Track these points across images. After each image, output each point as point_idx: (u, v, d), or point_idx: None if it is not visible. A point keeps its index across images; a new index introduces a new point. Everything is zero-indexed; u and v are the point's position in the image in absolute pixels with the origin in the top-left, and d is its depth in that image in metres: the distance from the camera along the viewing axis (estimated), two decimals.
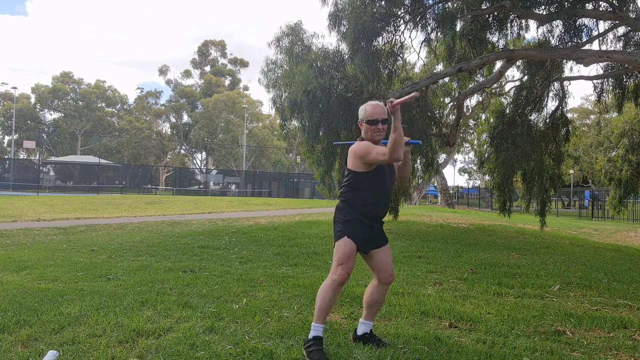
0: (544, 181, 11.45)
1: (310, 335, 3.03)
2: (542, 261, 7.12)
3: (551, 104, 11.90)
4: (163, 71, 58.54)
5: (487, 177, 21.98)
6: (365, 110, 3.10)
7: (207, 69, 58.19)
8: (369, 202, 3.10)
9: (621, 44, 10.40)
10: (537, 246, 9.19)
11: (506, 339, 3.44)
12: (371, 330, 3.28)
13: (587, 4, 9.34)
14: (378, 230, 3.18)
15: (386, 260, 3.18)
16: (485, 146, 13.48)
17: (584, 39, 10.36)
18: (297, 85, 9.61)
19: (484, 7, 9.55)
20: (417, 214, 16.70)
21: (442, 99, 14.12)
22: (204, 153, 54.14)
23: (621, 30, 10.29)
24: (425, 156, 11.50)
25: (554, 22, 9.98)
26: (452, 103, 14.40)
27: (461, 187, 46.78)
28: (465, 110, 14.89)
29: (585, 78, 11.17)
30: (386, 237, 3.25)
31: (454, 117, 13.29)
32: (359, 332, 3.28)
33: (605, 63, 10.46)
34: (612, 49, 10.35)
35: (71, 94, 51.15)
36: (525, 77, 11.98)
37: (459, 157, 43.95)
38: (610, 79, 11.04)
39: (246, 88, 59.33)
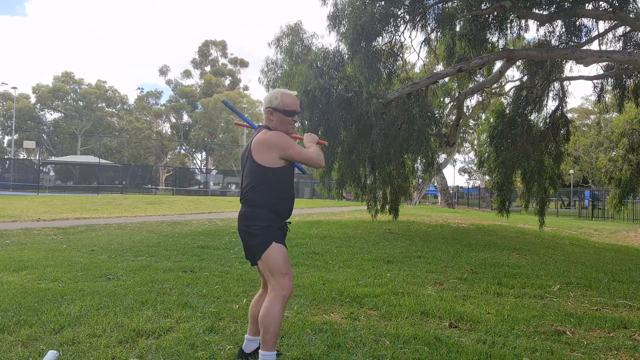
0: (544, 181, 11.46)
1: None
2: (542, 261, 7.12)
3: (551, 104, 11.95)
4: (163, 71, 58.69)
5: (487, 177, 21.99)
6: (280, 99, 2.81)
7: (207, 69, 58.23)
8: (288, 202, 2.80)
9: (621, 44, 10.42)
10: (537, 246, 9.18)
11: (506, 339, 3.44)
12: (259, 347, 2.78)
13: (587, 4, 9.35)
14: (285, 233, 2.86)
15: None
16: (485, 146, 13.47)
17: (584, 39, 10.38)
18: (297, 85, 9.61)
19: (484, 7, 9.56)
20: (417, 214, 16.70)
21: (442, 99, 14.11)
22: (204, 153, 54.18)
23: (621, 30, 10.30)
24: (426, 156, 11.51)
25: (554, 22, 9.98)
26: (452, 103, 14.39)
27: (461, 187, 46.77)
28: (465, 110, 14.91)
29: (585, 78, 11.18)
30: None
31: (454, 117, 13.29)
32: (247, 349, 2.89)
33: (605, 63, 10.47)
34: (612, 49, 10.36)
35: (72, 94, 51.23)
36: (525, 77, 11.98)
37: (459, 157, 44.04)
38: (610, 79, 11.05)
39: (246, 88, 59.46)
